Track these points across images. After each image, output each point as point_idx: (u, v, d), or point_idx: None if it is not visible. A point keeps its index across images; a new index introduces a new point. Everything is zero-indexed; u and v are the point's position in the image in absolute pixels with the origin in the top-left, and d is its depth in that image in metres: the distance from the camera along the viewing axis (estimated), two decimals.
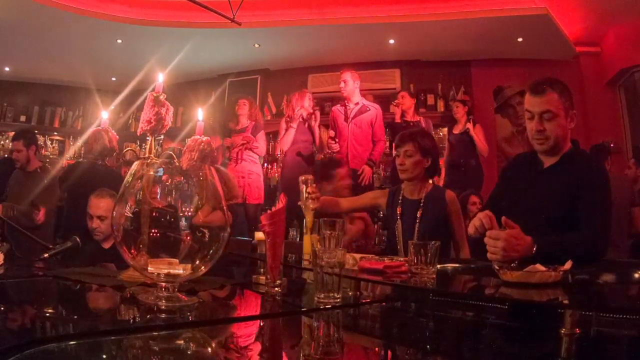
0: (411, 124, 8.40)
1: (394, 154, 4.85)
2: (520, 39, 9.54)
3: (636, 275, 3.29)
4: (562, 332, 1.73)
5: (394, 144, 4.86)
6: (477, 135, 8.60)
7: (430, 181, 4.91)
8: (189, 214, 2.12)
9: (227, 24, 8.22)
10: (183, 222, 2.11)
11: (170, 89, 3.78)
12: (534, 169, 3.67)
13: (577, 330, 1.74)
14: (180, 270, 2.04)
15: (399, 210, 4.73)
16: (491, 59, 10.44)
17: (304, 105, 8.27)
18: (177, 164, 2.48)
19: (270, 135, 10.32)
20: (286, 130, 8.28)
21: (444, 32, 9.42)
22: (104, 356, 1.55)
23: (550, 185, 3.51)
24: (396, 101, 8.71)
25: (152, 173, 2.17)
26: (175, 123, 10.44)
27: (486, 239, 3.10)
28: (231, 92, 10.97)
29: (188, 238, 2.09)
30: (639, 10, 8.37)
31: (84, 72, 11.18)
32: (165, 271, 2.03)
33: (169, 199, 2.14)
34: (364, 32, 9.58)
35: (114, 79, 11.82)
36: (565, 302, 2.25)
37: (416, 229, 4.58)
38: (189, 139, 2.75)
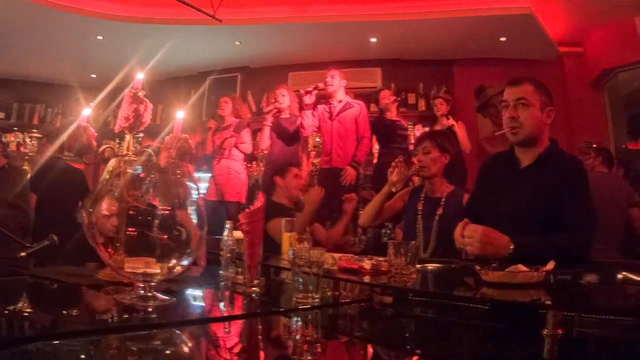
0: (397, 122, 8.42)
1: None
2: (503, 39, 9.55)
3: (619, 276, 3.29)
4: (545, 333, 1.72)
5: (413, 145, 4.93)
6: (461, 131, 8.57)
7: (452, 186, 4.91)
8: (167, 212, 2.10)
9: (208, 21, 8.18)
10: (160, 221, 2.09)
11: (150, 86, 3.75)
12: (511, 168, 3.66)
13: (560, 331, 1.72)
14: (157, 269, 2.02)
15: (420, 207, 4.80)
16: (474, 59, 10.43)
17: (277, 99, 8.19)
18: (155, 161, 2.46)
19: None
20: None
21: (426, 31, 9.41)
22: (81, 356, 1.53)
23: (528, 185, 3.48)
24: (393, 97, 8.65)
25: (129, 171, 2.15)
26: (154, 120, 10.40)
27: (464, 235, 3.16)
28: (211, 90, 10.93)
29: (165, 237, 2.07)
30: (622, 11, 8.40)
31: (64, 68, 11.11)
32: (142, 270, 2.00)
33: (146, 197, 2.12)
34: (345, 31, 9.56)
35: (93, 75, 11.75)
36: (548, 302, 2.24)
37: (434, 226, 4.63)
38: (167, 137, 2.74)
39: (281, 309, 2.29)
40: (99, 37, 9.98)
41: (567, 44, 9.88)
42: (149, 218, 2.09)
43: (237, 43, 10.29)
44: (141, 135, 8.93)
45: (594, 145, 7.96)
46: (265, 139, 8.17)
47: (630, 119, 9.65)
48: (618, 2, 8.20)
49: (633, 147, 9.37)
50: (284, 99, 8.14)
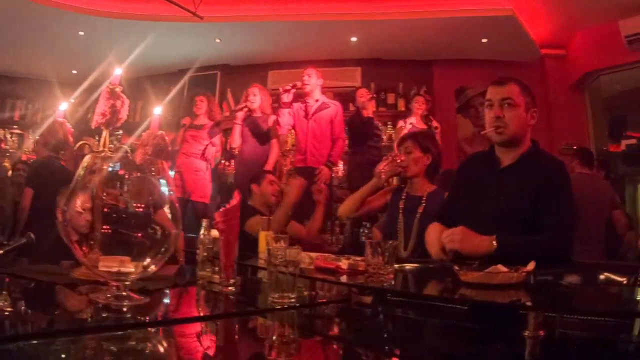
0: (373, 120, 8.47)
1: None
2: (484, 40, 9.55)
3: (600, 277, 3.29)
4: (526, 334, 1.70)
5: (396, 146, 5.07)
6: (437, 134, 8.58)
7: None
8: (142, 210, 2.08)
9: (189, 18, 8.17)
10: (135, 219, 2.07)
11: (130, 82, 3.73)
12: (491, 168, 3.65)
13: (541, 333, 1.71)
14: (131, 268, 2.00)
15: (401, 206, 4.83)
16: (454, 59, 10.43)
17: (248, 98, 8.16)
18: (131, 158, 2.43)
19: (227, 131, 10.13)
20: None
21: (407, 31, 9.41)
22: (62, 355, 1.52)
23: (509, 185, 3.47)
24: (369, 95, 8.68)
25: (105, 167, 2.12)
26: (134, 117, 10.35)
27: (444, 235, 3.25)
28: (191, 87, 10.87)
29: (140, 235, 2.04)
30: (606, 13, 8.44)
31: (45, 64, 11.04)
32: (116, 269, 1.98)
33: (121, 194, 2.10)
34: (325, 29, 9.56)
35: (74, 71, 11.67)
36: (528, 303, 2.23)
37: (415, 224, 4.66)
38: (143, 134, 2.72)
39: (257, 309, 2.27)
40: (81, 33, 9.93)
41: (549, 46, 9.90)
42: (124, 216, 2.07)
43: (218, 41, 10.26)
44: (120, 132, 8.89)
45: (574, 147, 7.99)
46: (236, 137, 8.13)
47: (612, 121, 9.72)
48: (602, 5, 8.23)
49: (614, 150, 9.43)
50: (255, 98, 8.10)
